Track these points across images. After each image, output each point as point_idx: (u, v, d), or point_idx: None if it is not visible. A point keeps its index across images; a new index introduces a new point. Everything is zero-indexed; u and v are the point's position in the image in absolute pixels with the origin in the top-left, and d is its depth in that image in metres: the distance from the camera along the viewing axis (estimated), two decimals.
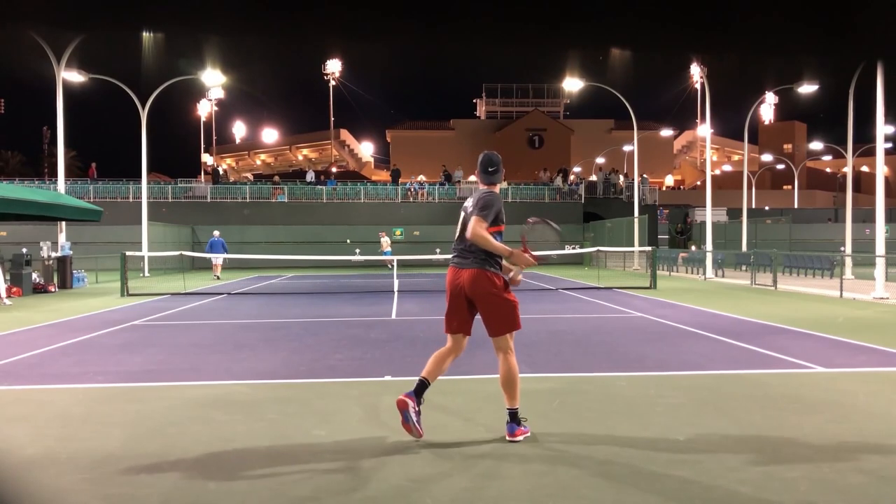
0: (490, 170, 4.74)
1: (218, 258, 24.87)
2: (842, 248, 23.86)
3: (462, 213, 4.69)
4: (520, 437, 4.48)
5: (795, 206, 51.60)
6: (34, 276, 18.59)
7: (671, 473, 3.83)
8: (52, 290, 18.90)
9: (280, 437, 4.63)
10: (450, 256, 4.76)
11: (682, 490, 3.58)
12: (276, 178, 41.54)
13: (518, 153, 60.97)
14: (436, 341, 9.21)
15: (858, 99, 21.39)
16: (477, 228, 4.42)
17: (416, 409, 4.50)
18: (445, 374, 6.82)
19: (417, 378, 4.68)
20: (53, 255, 19.91)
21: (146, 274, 26.50)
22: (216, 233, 26.43)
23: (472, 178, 46.31)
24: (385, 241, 30.95)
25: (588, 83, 32.10)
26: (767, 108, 69.30)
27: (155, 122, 28.43)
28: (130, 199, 35.31)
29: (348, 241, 34.70)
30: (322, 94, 68.64)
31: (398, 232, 35.12)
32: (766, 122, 71.32)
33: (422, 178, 41.29)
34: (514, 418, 4.50)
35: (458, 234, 4.69)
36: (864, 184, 58.09)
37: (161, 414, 5.28)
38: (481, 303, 4.54)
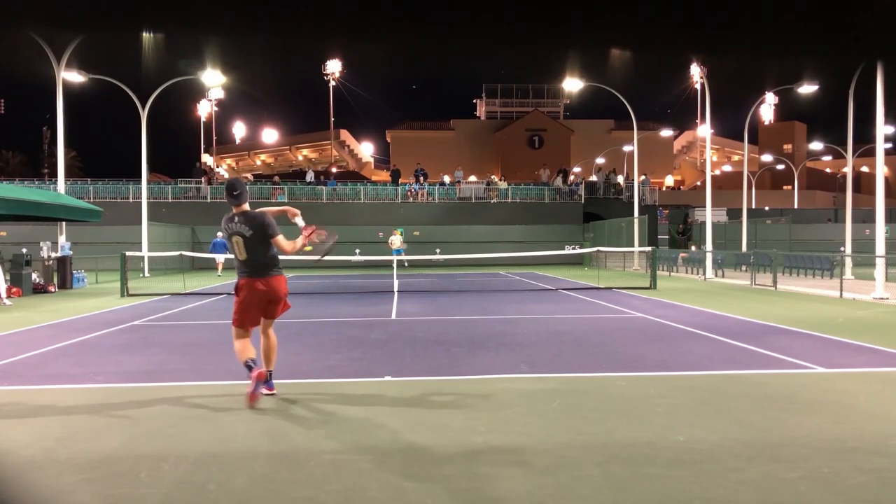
0: (235, 193, 5.72)
1: (220, 257, 25.13)
2: (842, 249, 23.86)
3: (240, 239, 5.64)
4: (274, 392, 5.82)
5: (795, 206, 51.55)
6: (34, 276, 18.57)
7: (671, 473, 3.83)
8: (52, 290, 18.89)
9: (280, 437, 4.64)
10: (239, 272, 5.79)
11: (682, 490, 3.58)
12: (276, 179, 41.50)
13: (518, 153, 61.00)
14: (436, 341, 9.23)
15: (858, 99, 21.40)
16: (287, 246, 5.76)
17: (266, 385, 5.70)
18: (445, 375, 6.85)
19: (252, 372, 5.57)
20: (53, 255, 19.90)
21: (146, 274, 26.51)
22: (219, 234, 26.50)
23: (473, 177, 46.34)
24: (397, 239, 31.07)
25: (588, 83, 32.08)
26: (767, 109, 69.34)
27: (155, 122, 28.38)
28: (130, 200, 35.30)
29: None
30: (322, 94, 68.64)
31: (398, 232, 35.10)
32: (766, 123, 71.33)
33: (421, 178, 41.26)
34: (271, 377, 5.86)
35: (243, 255, 5.67)
36: (864, 184, 58.10)
37: (161, 414, 5.28)
38: (278, 301, 5.82)
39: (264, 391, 5.74)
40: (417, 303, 14.91)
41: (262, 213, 5.82)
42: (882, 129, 15.83)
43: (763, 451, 4.24)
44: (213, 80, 32.56)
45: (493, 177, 44.53)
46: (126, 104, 27.18)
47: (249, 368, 5.59)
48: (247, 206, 5.83)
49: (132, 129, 35.17)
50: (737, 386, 6.18)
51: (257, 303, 5.74)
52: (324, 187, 38.31)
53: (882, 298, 14.57)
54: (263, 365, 5.84)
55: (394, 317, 12.13)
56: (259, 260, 5.71)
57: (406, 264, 31.35)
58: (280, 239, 5.77)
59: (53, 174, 33.57)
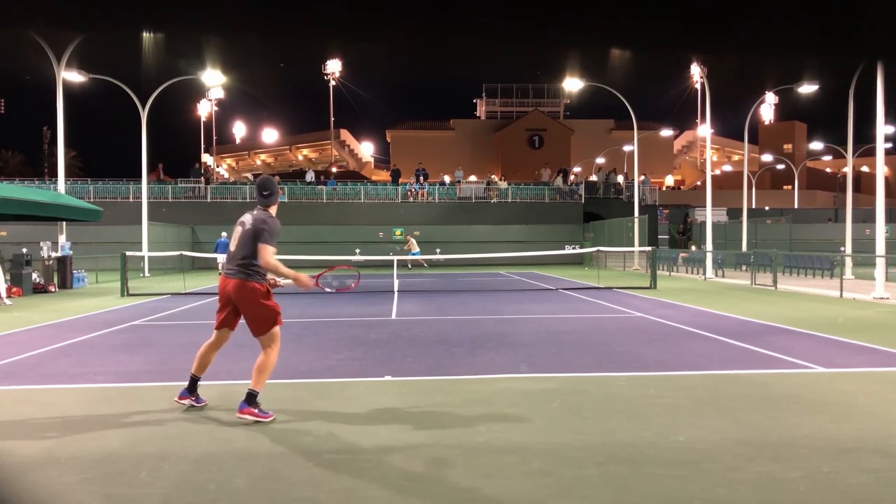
0: (265, 193, 5.30)
1: (223, 258, 25.21)
2: (842, 249, 23.85)
3: (239, 228, 5.25)
4: (246, 417, 4.99)
5: (795, 206, 51.56)
6: (34, 276, 18.57)
7: (671, 473, 3.83)
8: (52, 290, 18.89)
9: (280, 437, 4.63)
10: (224, 266, 5.43)
11: (682, 490, 3.58)
12: (277, 179, 41.35)
13: (518, 153, 60.99)
14: (436, 341, 9.23)
15: (858, 99, 21.39)
16: (268, 258, 5.05)
17: (194, 400, 5.38)
18: (445, 374, 6.84)
19: (193, 376, 5.49)
20: (53, 255, 19.90)
21: (146, 274, 26.50)
22: (224, 234, 26.55)
23: (473, 177, 46.30)
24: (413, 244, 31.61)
25: (588, 83, 32.08)
26: (767, 108, 69.32)
27: (155, 122, 28.37)
28: (130, 199, 35.29)
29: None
30: (322, 94, 68.62)
31: (399, 232, 35.12)
32: (766, 123, 71.33)
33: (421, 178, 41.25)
34: (250, 399, 5.06)
35: (233, 246, 5.25)
36: (864, 184, 58.08)
37: (161, 414, 5.28)
38: (245, 309, 5.17)
39: (248, 416, 5.01)
40: (417, 303, 14.91)
41: (269, 220, 5.19)
42: (882, 129, 15.83)
43: (763, 451, 4.24)
44: (213, 80, 32.57)
45: (493, 177, 44.53)
46: (126, 104, 27.20)
47: (191, 382, 5.40)
48: (272, 211, 5.31)
49: (132, 129, 35.17)
50: (737, 386, 6.18)
51: (226, 303, 5.31)
52: (324, 187, 38.31)
53: (882, 298, 14.57)
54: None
55: (394, 317, 12.13)
56: (237, 255, 5.18)
57: (423, 264, 31.53)
58: (266, 249, 5.06)
59: (53, 174, 33.58)
